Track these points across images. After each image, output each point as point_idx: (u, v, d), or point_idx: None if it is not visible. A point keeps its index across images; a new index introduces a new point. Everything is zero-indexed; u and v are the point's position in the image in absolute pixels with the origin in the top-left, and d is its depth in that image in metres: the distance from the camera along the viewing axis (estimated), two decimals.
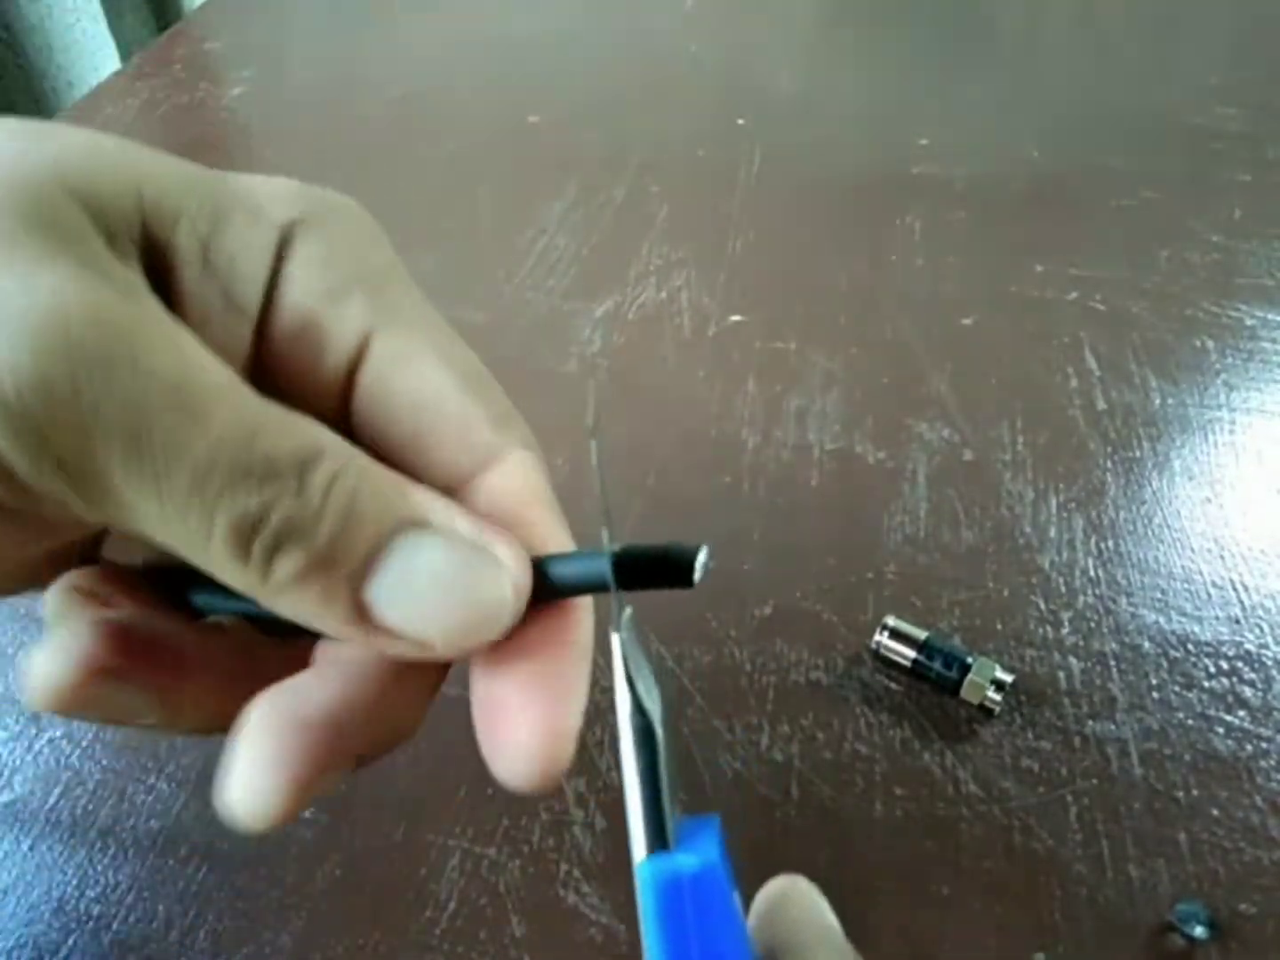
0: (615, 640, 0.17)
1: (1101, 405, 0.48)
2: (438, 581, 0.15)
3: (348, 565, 0.14)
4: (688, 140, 0.69)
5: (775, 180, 0.65)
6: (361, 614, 0.15)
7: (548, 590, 0.17)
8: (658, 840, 0.16)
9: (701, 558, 0.16)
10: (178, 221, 0.16)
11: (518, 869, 0.32)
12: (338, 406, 0.18)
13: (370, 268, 0.18)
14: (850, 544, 0.42)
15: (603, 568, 0.16)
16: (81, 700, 0.15)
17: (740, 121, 0.71)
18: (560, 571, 0.17)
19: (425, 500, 0.16)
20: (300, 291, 0.17)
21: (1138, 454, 0.46)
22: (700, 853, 0.16)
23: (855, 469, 0.45)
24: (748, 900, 0.20)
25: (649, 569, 0.16)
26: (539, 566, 0.17)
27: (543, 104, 0.73)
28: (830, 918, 0.20)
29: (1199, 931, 0.30)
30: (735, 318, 0.54)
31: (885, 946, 0.30)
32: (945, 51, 0.82)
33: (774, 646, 0.38)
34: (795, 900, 0.20)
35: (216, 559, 0.14)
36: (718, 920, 0.17)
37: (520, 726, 0.15)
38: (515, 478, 0.18)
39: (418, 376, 0.17)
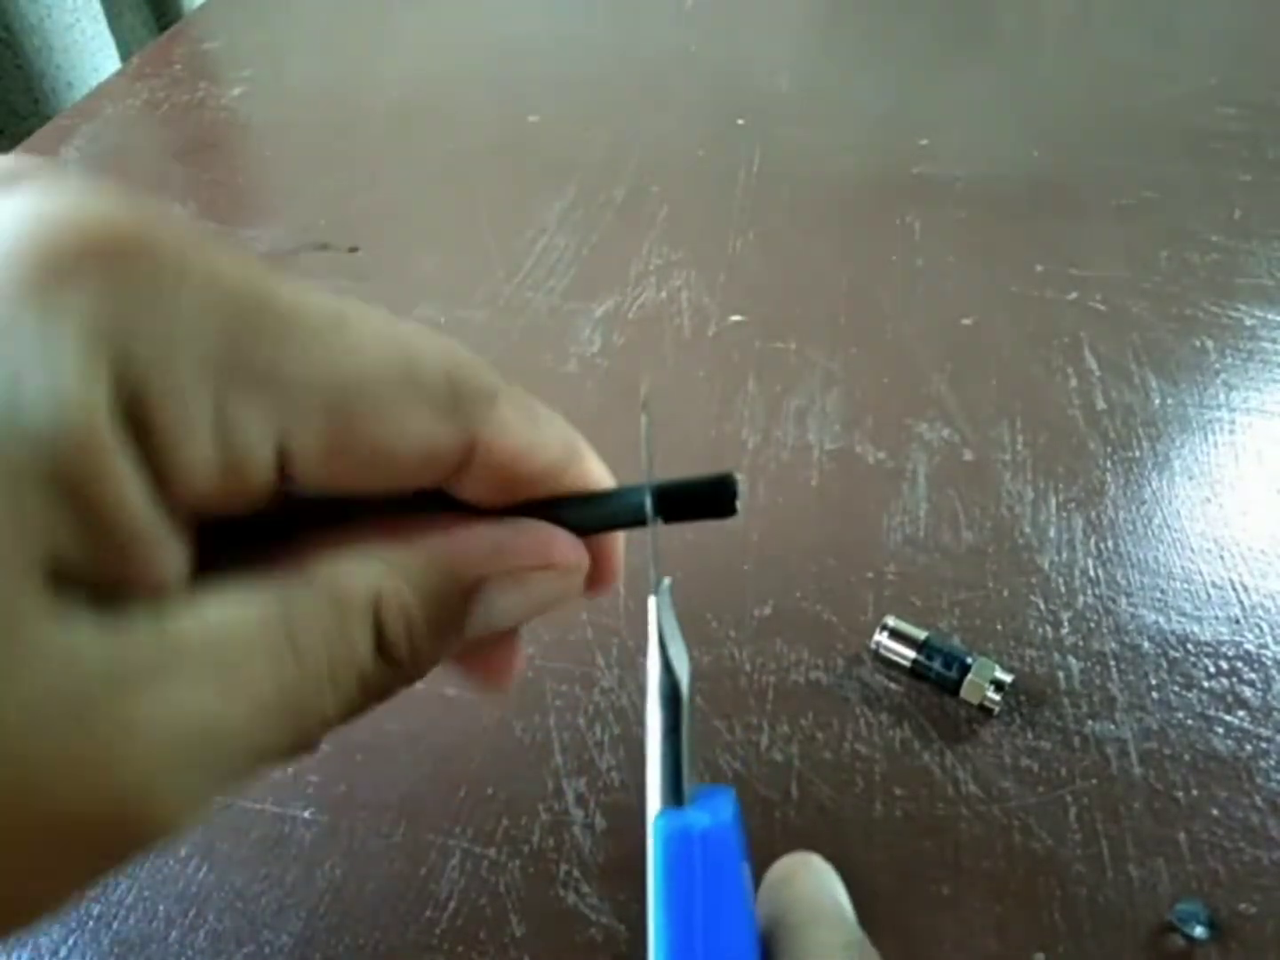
0: (651, 603, 0.18)
1: (1101, 405, 0.48)
2: (521, 608, 0.17)
3: (452, 651, 0.17)
4: (688, 140, 0.69)
5: (775, 180, 0.65)
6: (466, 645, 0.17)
7: (591, 528, 0.18)
8: (673, 797, 0.17)
9: (741, 486, 0.17)
10: None
11: (518, 869, 0.32)
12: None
13: (220, 338, 0.13)
14: (850, 544, 0.42)
15: (643, 502, 0.17)
16: None
17: (740, 121, 0.71)
18: (602, 512, 0.18)
19: (473, 556, 0.17)
20: (196, 473, 0.13)
21: (1138, 454, 0.46)
22: (714, 813, 0.17)
23: (855, 469, 0.45)
24: (759, 879, 0.20)
25: (690, 501, 0.18)
26: (580, 508, 0.18)
27: (543, 104, 0.73)
28: (839, 896, 0.20)
29: (1199, 931, 0.30)
30: (735, 318, 0.54)
31: (885, 946, 0.30)
32: (945, 51, 0.82)
33: (774, 646, 0.38)
34: (801, 877, 0.20)
35: None
36: (725, 882, 0.17)
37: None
38: (507, 438, 0.16)
39: (352, 449, 0.14)
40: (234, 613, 0.14)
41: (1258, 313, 0.53)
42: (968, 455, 0.46)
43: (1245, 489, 0.44)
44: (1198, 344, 0.51)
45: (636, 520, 0.18)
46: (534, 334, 0.53)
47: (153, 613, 0.13)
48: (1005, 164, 0.65)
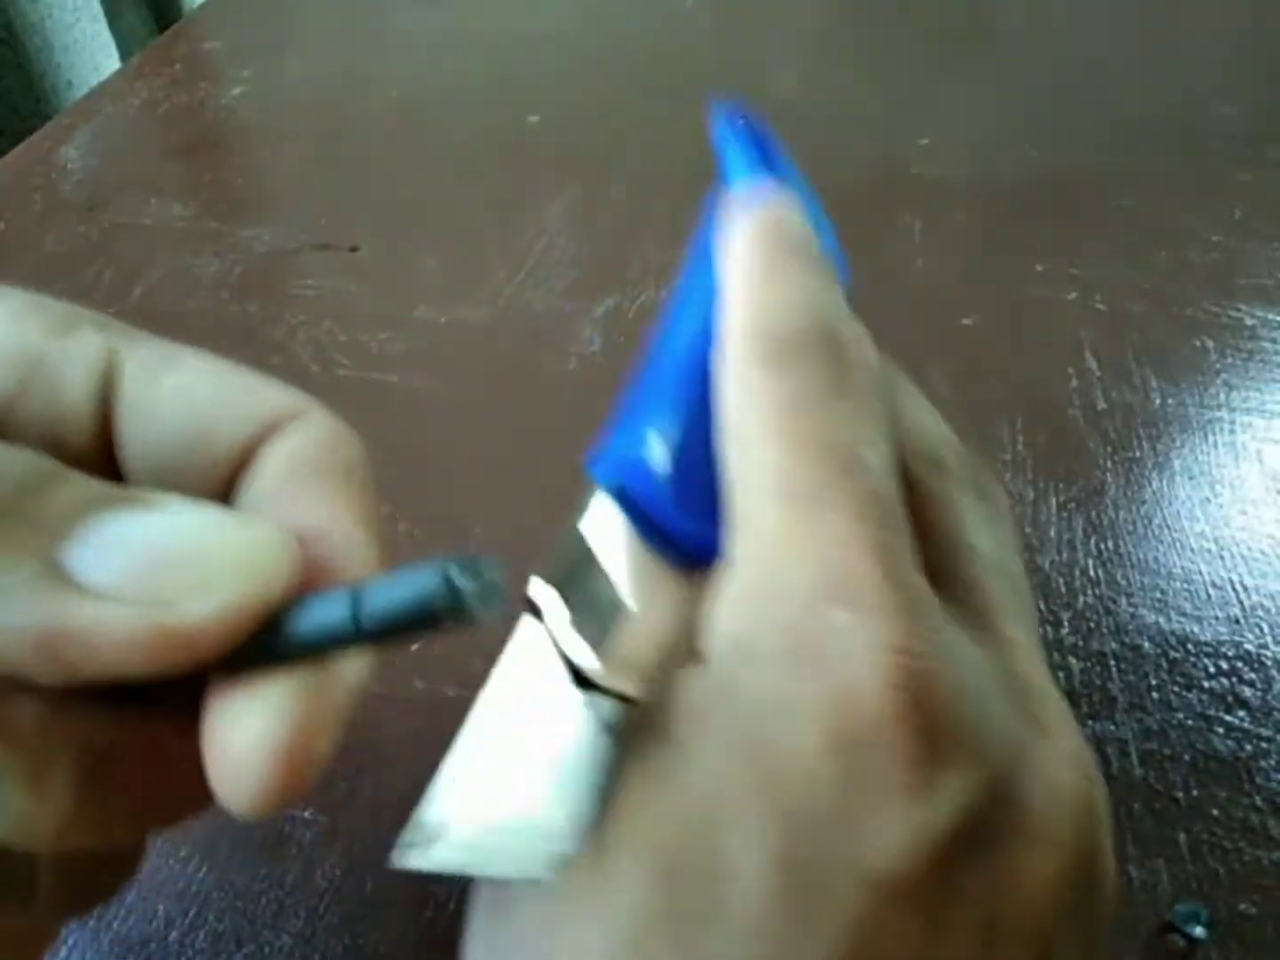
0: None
1: (1101, 405, 0.48)
2: (160, 547, 0.12)
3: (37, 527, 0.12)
4: (688, 140, 0.69)
5: None
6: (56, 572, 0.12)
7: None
8: None
9: (477, 585, 0.11)
10: None
11: None
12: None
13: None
14: None
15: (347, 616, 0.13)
16: None
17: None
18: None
19: (130, 493, 0.13)
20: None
21: (1138, 454, 0.45)
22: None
23: None
24: None
25: (397, 621, 0.13)
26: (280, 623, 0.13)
27: (543, 104, 0.73)
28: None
29: (1199, 931, 0.30)
30: None
31: None
32: (945, 51, 0.82)
33: None
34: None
35: None
36: None
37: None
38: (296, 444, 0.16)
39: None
40: None
41: (1258, 313, 0.53)
42: None
43: (1245, 489, 0.44)
44: (1198, 344, 0.51)
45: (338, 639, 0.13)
46: (534, 334, 0.53)
47: None
48: (1005, 164, 0.65)
